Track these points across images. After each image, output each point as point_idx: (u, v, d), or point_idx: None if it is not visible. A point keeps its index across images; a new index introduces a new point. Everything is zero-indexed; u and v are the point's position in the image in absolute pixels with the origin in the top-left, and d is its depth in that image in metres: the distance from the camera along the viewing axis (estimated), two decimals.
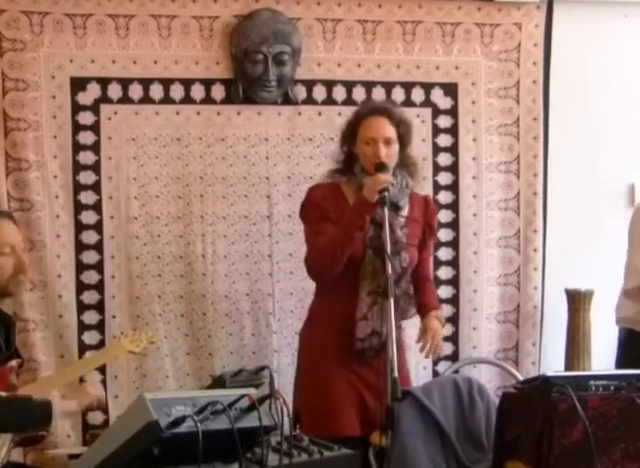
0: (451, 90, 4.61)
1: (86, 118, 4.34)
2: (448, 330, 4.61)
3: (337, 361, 3.65)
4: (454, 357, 4.64)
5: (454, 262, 4.63)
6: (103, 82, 4.34)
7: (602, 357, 4.28)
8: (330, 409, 3.61)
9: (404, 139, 3.72)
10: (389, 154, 3.65)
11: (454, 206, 4.63)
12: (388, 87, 4.55)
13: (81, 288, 4.37)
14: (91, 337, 4.36)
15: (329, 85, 4.52)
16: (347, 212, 3.59)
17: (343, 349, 3.63)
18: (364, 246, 3.62)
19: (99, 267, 4.38)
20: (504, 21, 4.61)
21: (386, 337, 3.25)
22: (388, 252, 3.30)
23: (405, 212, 3.75)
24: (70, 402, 3.11)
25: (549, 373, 3.19)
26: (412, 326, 4.22)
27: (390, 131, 3.66)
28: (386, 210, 3.39)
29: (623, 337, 3.95)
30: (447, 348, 4.63)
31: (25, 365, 4.23)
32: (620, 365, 3.93)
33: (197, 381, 4.42)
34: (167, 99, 4.39)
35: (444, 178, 4.62)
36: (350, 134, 3.74)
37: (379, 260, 3.56)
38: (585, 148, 4.75)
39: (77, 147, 4.34)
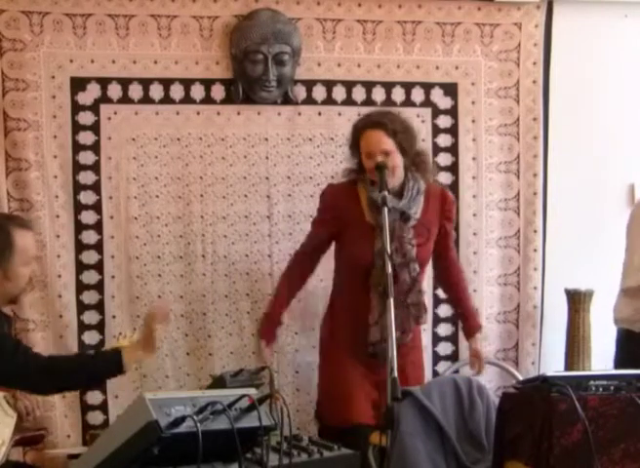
0: (451, 90, 4.61)
1: (86, 118, 4.34)
2: (448, 329, 4.62)
3: (353, 358, 3.78)
4: (454, 357, 4.64)
5: None
6: (103, 82, 4.33)
7: (602, 357, 4.28)
8: (346, 400, 3.74)
9: (404, 147, 3.76)
10: (390, 165, 3.70)
11: None
12: (388, 87, 4.56)
13: (81, 288, 4.37)
14: (91, 337, 4.36)
15: (329, 85, 4.52)
16: (264, 314, 4.01)
17: (359, 348, 3.75)
18: (372, 254, 3.69)
19: (99, 267, 4.38)
20: (504, 21, 4.61)
21: (400, 341, 3.54)
22: (388, 250, 3.32)
23: (418, 213, 3.81)
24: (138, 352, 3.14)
25: (549, 373, 3.19)
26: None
27: (387, 143, 3.72)
28: (386, 210, 3.42)
29: (621, 338, 3.94)
30: (447, 348, 4.63)
31: None
32: (618, 365, 3.92)
33: (197, 381, 4.42)
34: (167, 99, 4.39)
35: (444, 178, 4.62)
36: (354, 145, 3.84)
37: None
38: (585, 148, 4.75)
39: (77, 147, 4.33)
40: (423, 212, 3.82)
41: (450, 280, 4.10)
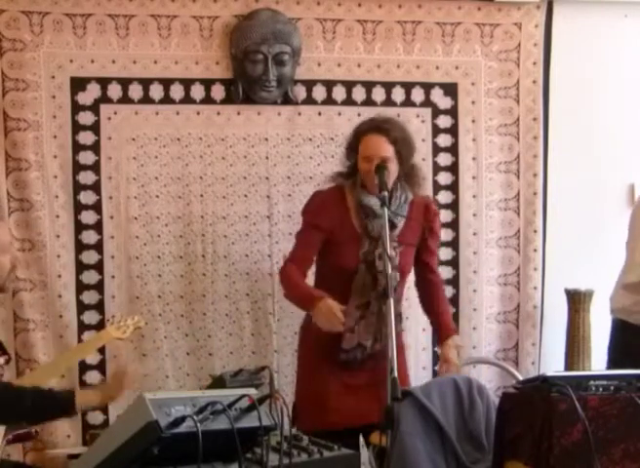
0: (451, 90, 4.61)
1: (86, 118, 4.34)
2: None
3: (329, 363, 3.75)
4: None
5: (454, 262, 4.63)
6: (103, 82, 4.34)
7: (602, 357, 4.28)
8: (322, 405, 3.71)
9: (402, 156, 3.74)
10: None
11: (454, 206, 4.63)
12: (388, 87, 4.56)
13: (81, 288, 4.37)
14: None
15: (329, 85, 4.52)
16: (300, 294, 3.73)
17: (332, 354, 3.73)
18: (357, 260, 3.71)
19: (99, 267, 4.38)
20: (504, 21, 4.61)
21: (372, 349, 3.66)
22: (388, 251, 3.33)
23: (401, 222, 3.78)
24: (93, 396, 3.04)
25: (549, 373, 3.18)
26: (413, 326, 4.25)
27: (387, 150, 3.70)
28: (386, 210, 3.43)
29: (617, 327, 3.93)
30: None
31: (25, 364, 4.24)
32: (612, 355, 3.93)
33: (197, 381, 4.42)
34: (167, 99, 4.39)
35: (444, 178, 4.63)
36: (352, 148, 3.82)
37: (369, 276, 3.69)
38: (585, 148, 4.75)
39: (77, 147, 4.34)
40: (407, 221, 3.80)
41: (425, 291, 4.00)
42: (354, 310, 3.70)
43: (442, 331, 3.93)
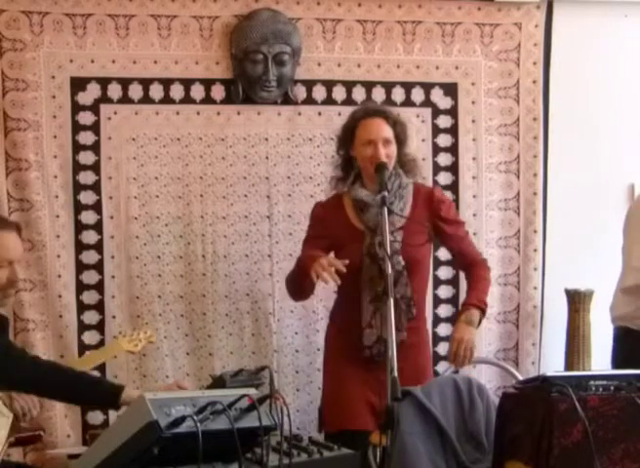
0: (451, 90, 4.61)
1: (86, 118, 4.34)
2: (448, 329, 4.61)
3: (350, 361, 3.75)
4: None
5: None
6: (103, 82, 4.34)
7: (602, 357, 4.28)
8: (342, 406, 3.72)
9: (400, 139, 3.78)
10: (389, 154, 3.72)
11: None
12: (388, 87, 4.56)
13: (81, 288, 4.37)
14: (91, 337, 4.36)
15: (329, 85, 4.52)
16: (301, 262, 3.73)
17: (355, 352, 3.72)
18: (361, 254, 3.70)
19: (99, 267, 4.38)
20: (504, 21, 4.62)
21: (392, 339, 3.35)
22: (388, 252, 3.32)
23: (406, 212, 3.77)
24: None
25: (549, 373, 3.18)
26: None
27: (388, 131, 3.73)
28: (385, 210, 3.42)
29: (619, 335, 3.92)
30: (447, 348, 4.62)
31: None
32: (616, 363, 3.92)
33: (197, 381, 4.42)
34: (167, 99, 4.40)
35: (444, 178, 4.63)
36: (347, 137, 3.80)
37: (375, 267, 3.66)
38: (585, 148, 4.75)
39: (77, 147, 4.34)
40: (412, 212, 3.78)
41: (465, 275, 3.95)
42: (368, 304, 3.68)
43: (464, 303, 3.83)
